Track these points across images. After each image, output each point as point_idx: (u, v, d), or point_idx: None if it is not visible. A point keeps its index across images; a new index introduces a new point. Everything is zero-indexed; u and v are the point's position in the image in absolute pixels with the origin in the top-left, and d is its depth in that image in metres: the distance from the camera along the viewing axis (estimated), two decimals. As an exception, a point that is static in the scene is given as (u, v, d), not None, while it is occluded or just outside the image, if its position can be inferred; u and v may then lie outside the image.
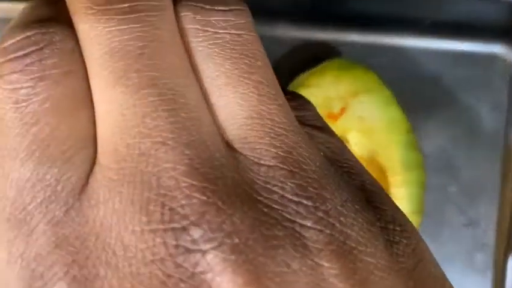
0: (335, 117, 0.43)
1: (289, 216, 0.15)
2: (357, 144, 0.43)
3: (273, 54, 0.47)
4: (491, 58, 0.48)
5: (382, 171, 0.43)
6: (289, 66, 0.47)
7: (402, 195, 0.42)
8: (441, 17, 0.45)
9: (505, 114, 0.48)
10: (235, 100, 0.16)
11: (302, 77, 0.42)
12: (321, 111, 0.43)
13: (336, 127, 0.43)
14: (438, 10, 0.44)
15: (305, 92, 0.42)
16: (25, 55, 0.15)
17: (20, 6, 0.47)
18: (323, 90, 0.42)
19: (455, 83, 0.48)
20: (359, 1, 0.44)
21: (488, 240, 0.47)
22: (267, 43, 0.49)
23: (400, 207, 0.42)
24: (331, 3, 0.45)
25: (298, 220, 0.15)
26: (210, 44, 0.16)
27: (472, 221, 0.48)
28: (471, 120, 0.48)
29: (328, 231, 0.15)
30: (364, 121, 0.43)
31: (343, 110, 0.43)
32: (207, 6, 0.17)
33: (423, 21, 0.46)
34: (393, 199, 0.42)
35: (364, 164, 0.45)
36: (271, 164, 0.15)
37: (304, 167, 0.16)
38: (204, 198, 0.14)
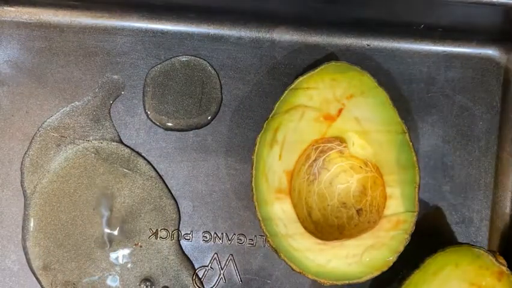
0: (332, 118, 0.44)
1: None
2: (354, 145, 0.44)
3: (272, 58, 0.48)
4: (485, 60, 0.49)
5: (378, 170, 0.44)
6: (288, 69, 0.48)
7: (397, 194, 0.43)
8: (435, 20, 0.46)
9: (499, 115, 0.49)
10: None
11: (300, 79, 0.43)
12: (319, 113, 0.44)
13: (334, 128, 0.44)
14: (432, 14, 0.45)
15: (304, 94, 0.43)
16: None
17: (29, 10, 0.48)
18: (320, 92, 0.43)
19: (449, 85, 0.48)
20: (355, 6, 0.45)
21: (482, 237, 0.48)
22: (267, 46, 0.51)
23: (395, 206, 0.44)
24: (328, 8, 0.45)
25: None
26: None
27: (466, 218, 0.48)
28: (465, 121, 0.49)
29: None
30: (360, 122, 0.43)
31: (340, 112, 0.43)
32: None
33: (418, 25, 0.47)
34: (388, 198, 0.43)
35: (360, 164, 0.46)
36: None
37: None
38: None
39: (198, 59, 0.47)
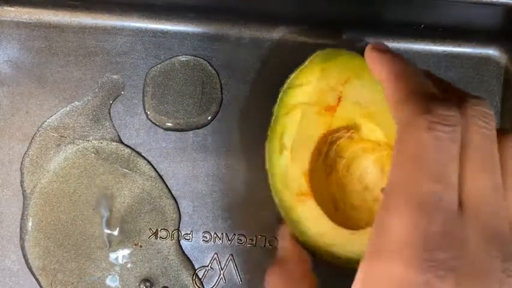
0: (334, 108, 0.42)
1: None
2: (362, 130, 0.43)
3: (272, 58, 0.48)
4: (485, 60, 0.49)
5: (392, 149, 0.43)
6: (288, 69, 0.48)
7: None
8: (435, 20, 0.46)
9: (499, 115, 0.49)
10: None
11: (291, 78, 0.42)
12: (319, 106, 0.43)
13: (337, 117, 0.43)
14: (432, 14, 0.45)
15: (298, 92, 0.43)
16: (448, 125, 0.26)
17: (29, 10, 0.48)
18: (314, 85, 0.42)
19: (449, 84, 0.49)
20: (354, 5, 0.45)
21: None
22: (267, 46, 0.51)
23: None
24: (327, 7, 0.45)
25: None
26: None
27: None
28: (465, 121, 0.48)
29: None
30: (362, 105, 0.42)
31: (339, 100, 0.42)
32: None
33: (418, 25, 0.47)
34: None
35: (373, 146, 0.45)
36: None
37: None
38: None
39: (198, 59, 0.47)
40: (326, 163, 0.45)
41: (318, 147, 0.44)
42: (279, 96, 0.42)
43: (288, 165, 0.42)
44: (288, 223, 0.42)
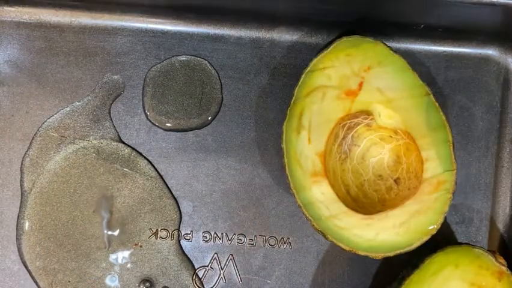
0: (354, 93, 0.43)
1: None
2: (380, 116, 0.44)
3: (272, 58, 0.48)
4: (485, 60, 0.49)
5: (409, 136, 0.44)
6: (288, 69, 0.48)
7: (433, 156, 0.42)
8: (435, 20, 0.46)
9: (499, 115, 0.49)
10: None
11: (315, 61, 0.43)
12: (340, 90, 0.44)
13: (357, 102, 0.44)
14: (432, 14, 0.45)
15: (321, 75, 0.43)
16: None
17: (29, 10, 0.48)
18: (337, 70, 0.43)
19: (449, 85, 0.48)
20: (354, 6, 0.45)
21: (482, 237, 0.48)
22: (267, 46, 0.50)
23: (433, 168, 0.42)
24: (328, 8, 0.45)
25: None
26: None
27: (466, 218, 0.48)
28: (465, 121, 0.49)
29: None
30: (383, 92, 0.43)
31: (361, 85, 0.43)
32: None
33: (418, 25, 0.47)
34: (425, 162, 0.42)
35: (390, 134, 0.46)
36: None
37: None
38: None
39: (198, 58, 0.47)
40: (341, 150, 0.45)
41: (336, 130, 0.44)
42: (301, 78, 0.43)
43: (305, 145, 0.43)
44: (299, 203, 0.42)
